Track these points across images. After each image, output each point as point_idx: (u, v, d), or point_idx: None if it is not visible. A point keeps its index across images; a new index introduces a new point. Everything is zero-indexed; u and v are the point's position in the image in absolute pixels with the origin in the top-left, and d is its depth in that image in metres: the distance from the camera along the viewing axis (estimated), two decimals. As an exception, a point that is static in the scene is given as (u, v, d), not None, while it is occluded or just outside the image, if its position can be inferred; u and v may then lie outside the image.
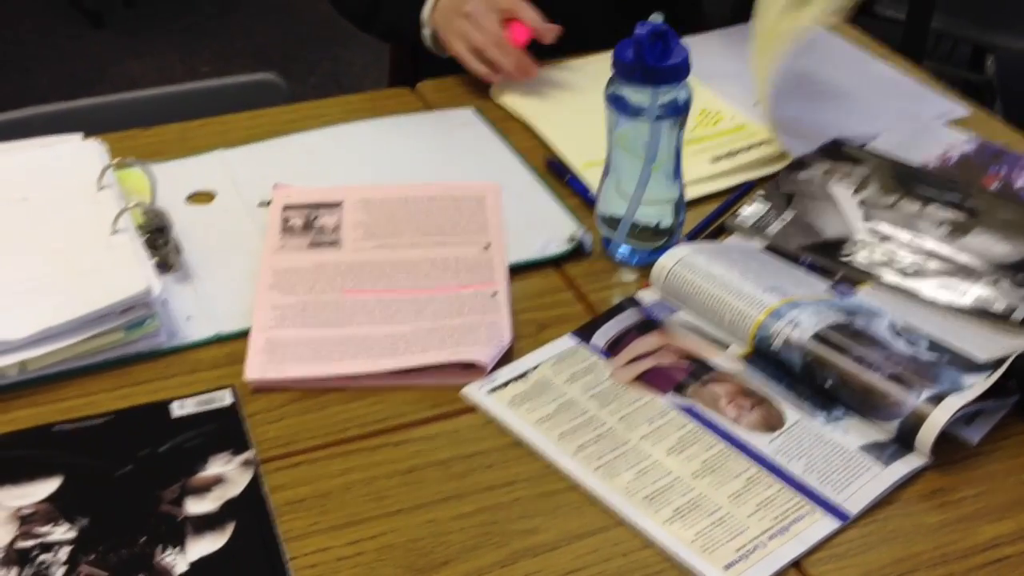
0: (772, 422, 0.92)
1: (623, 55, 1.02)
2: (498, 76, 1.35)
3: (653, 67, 1.01)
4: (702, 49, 1.16)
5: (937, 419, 0.88)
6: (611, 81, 1.05)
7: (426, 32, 1.40)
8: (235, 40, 3.61)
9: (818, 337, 0.95)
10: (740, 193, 1.21)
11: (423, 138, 1.29)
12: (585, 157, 1.24)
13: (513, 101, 1.36)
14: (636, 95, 1.03)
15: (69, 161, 1.16)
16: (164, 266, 1.06)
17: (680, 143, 1.08)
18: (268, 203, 1.16)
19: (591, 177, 1.20)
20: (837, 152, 1.25)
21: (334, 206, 1.16)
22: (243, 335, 0.99)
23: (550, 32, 1.34)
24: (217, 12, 3.75)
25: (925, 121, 1.34)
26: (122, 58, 3.45)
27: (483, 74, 1.35)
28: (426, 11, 1.39)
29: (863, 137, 1.29)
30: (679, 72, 1.02)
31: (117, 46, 3.54)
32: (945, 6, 2.37)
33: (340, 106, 1.35)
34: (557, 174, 1.24)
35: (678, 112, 1.05)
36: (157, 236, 1.09)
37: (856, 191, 1.19)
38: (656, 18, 1.01)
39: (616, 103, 1.05)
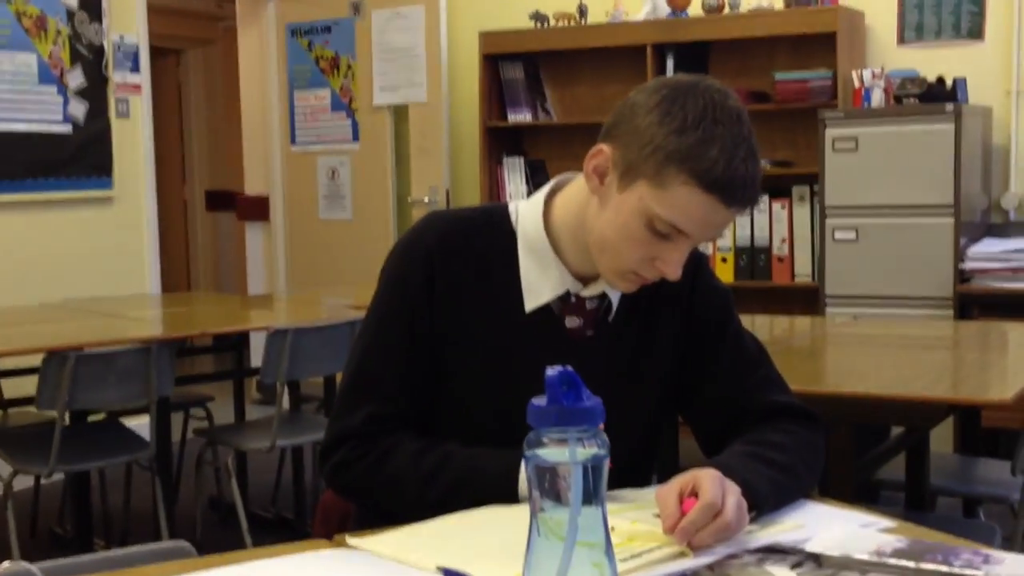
0: None
1: (536, 405, 1.10)
2: None
3: (569, 408, 1.08)
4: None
5: None
6: (528, 444, 1.11)
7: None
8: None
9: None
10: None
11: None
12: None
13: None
14: (554, 451, 1.09)
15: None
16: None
17: (605, 512, 1.11)
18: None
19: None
20: (769, 548, 1.29)
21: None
22: None
23: None
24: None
25: (854, 529, 1.39)
26: None
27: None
28: (524, 487, 1.47)
29: (793, 542, 1.33)
30: (594, 414, 1.09)
31: None
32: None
33: (259, 554, 1.36)
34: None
35: (599, 468, 1.10)
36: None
37: (793, 567, 1.21)
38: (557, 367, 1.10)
39: (536, 470, 1.10)
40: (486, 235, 1.64)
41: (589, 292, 1.62)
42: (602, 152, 1.52)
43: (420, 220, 1.68)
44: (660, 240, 1.49)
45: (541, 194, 1.65)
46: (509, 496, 1.49)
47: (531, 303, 1.61)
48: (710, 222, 1.48)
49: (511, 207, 1.67)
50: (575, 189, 1.62)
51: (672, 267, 1.51)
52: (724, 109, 1.46)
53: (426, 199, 5.94)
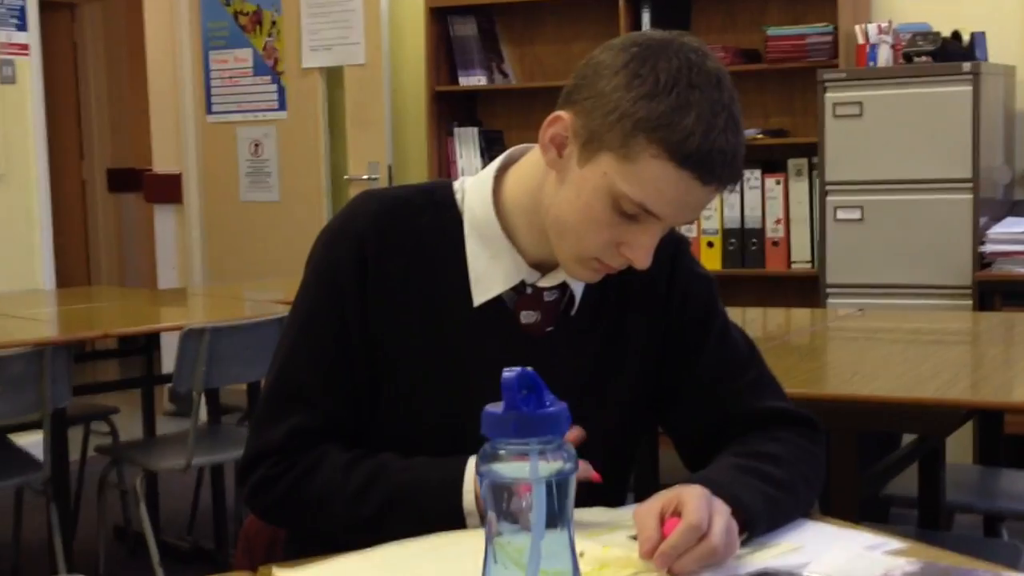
0: None
1: (492, 412, 1.10)
2: None
3: (530, 416, 1.08)
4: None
5: None
6: (483, 458, 1.11)
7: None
8: None
9: None
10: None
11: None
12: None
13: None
14: (513, 466, 1.09)
15: None
16: None
17: (572, 536, 1.12)
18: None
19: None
20: (762, 575, 1.30)
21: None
22: None
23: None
24: None
25: (859, 551, 1.40)
26: None
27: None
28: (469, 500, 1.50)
29: (789, 567, 1.34)
30: (559, 422, 1.09)
31: None
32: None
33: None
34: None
35: (564, 484, 1.10)
36: None
37: (788, 597, 1.22)
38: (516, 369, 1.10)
39: (492, 488, 1.10)
40: (427, 217, 1.64)
41: (547, 282, 1.62)
42: (561, 119, 1.52)
43: (351, 201, 1.67)
44: (627, 222, 1.49)
45: (491, 169, 1.65)
46: (453, 511, 1.49)
47: (480, 296, 1.61)
48: (684, 202, 1.48)
49: (456, 184, 1.66)
50: (530, 162, 1.62)
51: (640, 254, 1.51)
52: (702, 71, 1.46)
53: (365, 176, 5.93)
